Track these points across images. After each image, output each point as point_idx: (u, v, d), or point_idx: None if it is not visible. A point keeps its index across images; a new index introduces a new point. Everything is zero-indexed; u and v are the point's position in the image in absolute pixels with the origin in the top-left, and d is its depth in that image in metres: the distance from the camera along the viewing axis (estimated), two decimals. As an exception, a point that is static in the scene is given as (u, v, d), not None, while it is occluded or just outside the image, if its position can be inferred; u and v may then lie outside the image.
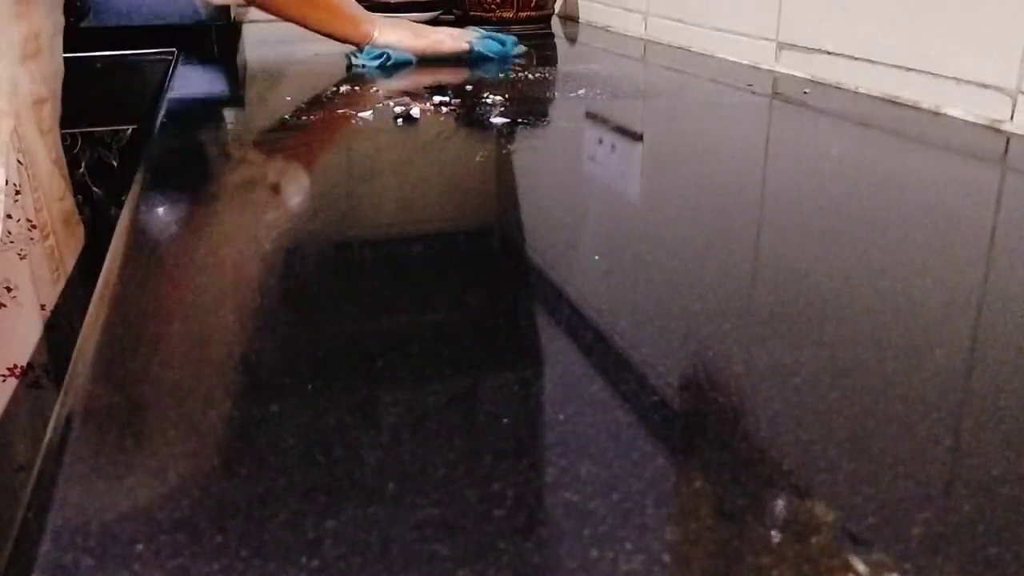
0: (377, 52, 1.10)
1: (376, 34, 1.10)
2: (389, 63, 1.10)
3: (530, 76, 1.07)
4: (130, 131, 1.31)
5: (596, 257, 0.50)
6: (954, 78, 0.83)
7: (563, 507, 0.28)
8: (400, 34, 1.11)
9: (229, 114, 0.95)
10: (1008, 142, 0.75)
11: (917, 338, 0.40)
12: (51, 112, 0.87)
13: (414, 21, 1.52)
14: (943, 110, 0.85)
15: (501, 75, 1.06)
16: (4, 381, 0.70)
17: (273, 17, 1.08)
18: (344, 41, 1.11)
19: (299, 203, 0.61)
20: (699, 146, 0.78)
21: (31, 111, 0.82)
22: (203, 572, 0.25)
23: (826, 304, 0.43)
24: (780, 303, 0.44)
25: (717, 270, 0.48)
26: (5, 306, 0.72)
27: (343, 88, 0.98)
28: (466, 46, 1.14)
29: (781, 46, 1.09)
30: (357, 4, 1.13)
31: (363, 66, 1.10)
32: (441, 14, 1.53)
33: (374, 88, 0.99)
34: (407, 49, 1.11)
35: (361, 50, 1.11)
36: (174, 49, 1.31)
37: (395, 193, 0.64)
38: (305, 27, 1.09)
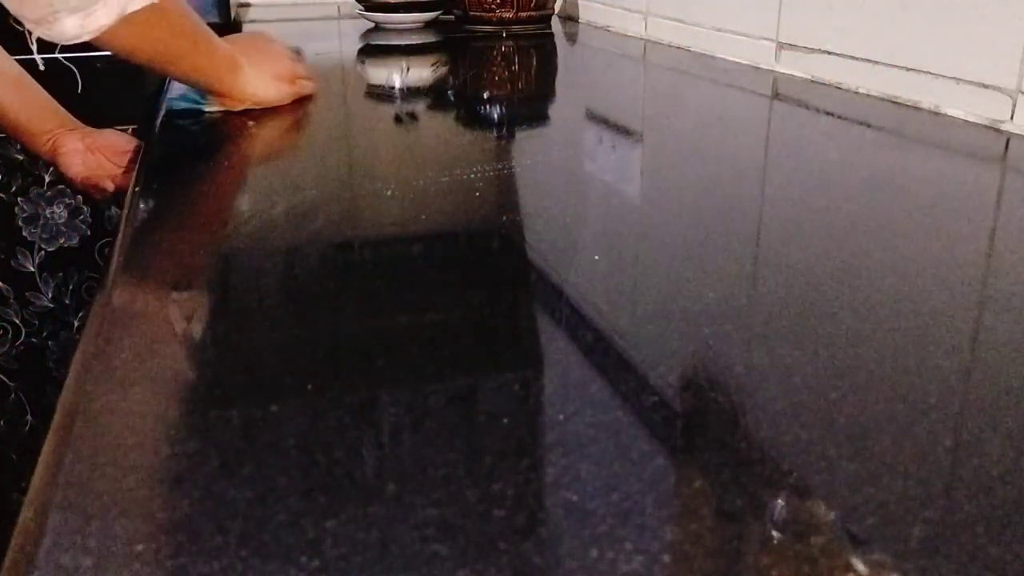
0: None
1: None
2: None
3: (531, 76, 1.07)
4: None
5: (596, 257, 0.50)
6: (954, 78, 0.83)
7: (563, 507, 0.28)
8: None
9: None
10: (1008, 142, 0.75)
11: (917, 338, 0.40)
12: None
13: (412, 24, 1.51)
14: (943, 110, 0.85)
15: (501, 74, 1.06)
16: None
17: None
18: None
19: (299, 202, 0.61)
20: (699, 146, 0.78)
21: None
22: (203, 572, 0.25)
23: (826, 304, 0.43)
24: (780, 303, 0.44)
25: (717, 270, 0.48)
26: None
27: (343, 88, 0.98)
28: None
29: (781, 46, 1.09)
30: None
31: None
32: (441, 14, 1.53)
33: (375, 86, 0.99)
34: None
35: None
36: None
37: (394, 192, 0.64)
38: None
